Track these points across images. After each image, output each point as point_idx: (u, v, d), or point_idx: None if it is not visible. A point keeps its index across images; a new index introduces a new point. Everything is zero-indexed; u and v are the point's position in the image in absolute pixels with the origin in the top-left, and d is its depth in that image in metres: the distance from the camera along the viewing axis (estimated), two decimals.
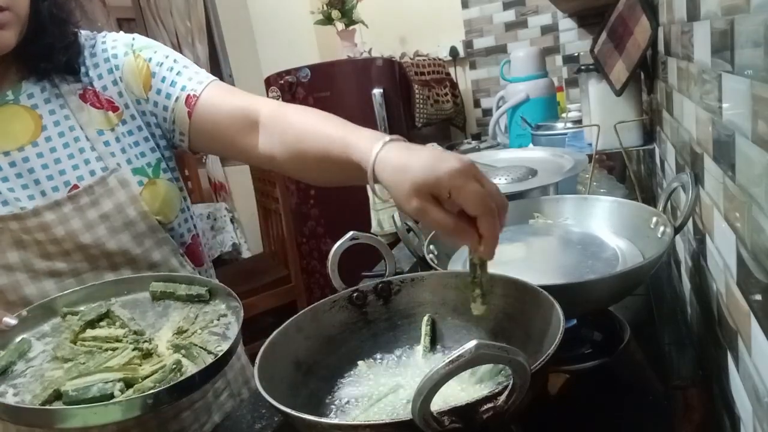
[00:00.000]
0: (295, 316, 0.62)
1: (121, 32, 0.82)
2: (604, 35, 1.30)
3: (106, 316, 0.63)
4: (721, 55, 0.50)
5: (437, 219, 0.51)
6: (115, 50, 0.78)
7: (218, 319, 0.63)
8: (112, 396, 0.51)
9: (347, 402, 0.58)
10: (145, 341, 0.59)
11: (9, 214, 0.68)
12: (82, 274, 0.72)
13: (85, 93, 0.75)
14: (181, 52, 3.06)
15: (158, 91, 0.77)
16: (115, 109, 0.76)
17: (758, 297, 0.43)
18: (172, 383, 0.51)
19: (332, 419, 0.54)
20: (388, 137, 0.59)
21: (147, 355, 0.58)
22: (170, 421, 0.76)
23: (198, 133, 0.78)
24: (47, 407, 0.50)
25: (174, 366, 0.54)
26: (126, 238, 0.73)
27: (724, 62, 0.49)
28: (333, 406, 0.58)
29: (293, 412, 0.44)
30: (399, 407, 0.54)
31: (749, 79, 0.41)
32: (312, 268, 2.64)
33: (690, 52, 0.66)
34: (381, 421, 0.41)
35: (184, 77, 0.78)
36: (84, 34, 0.79)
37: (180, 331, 0.61)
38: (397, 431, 0.40)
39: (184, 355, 0.57)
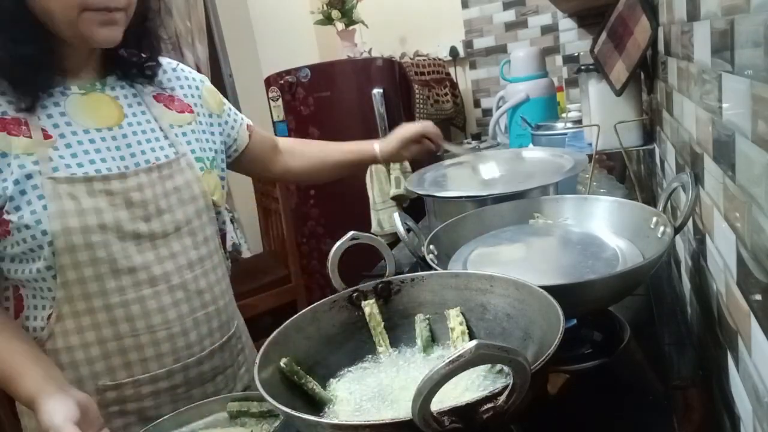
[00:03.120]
0: (295, 316, 0.62)
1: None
2: (604, 35, 1.30)
3: None
4: (721, 55, 0.50)
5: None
6: (192, 74, 0.99)
7: None
8: None
9: (347, 402, 0.58)
10: None
11: (115, 173, 0.78)
12: (156, 239, 0.82)
13: (159, 95, 0.91)
14: (181, 52, 3.07)
15: (228, 114, 1.03)
16: (191, 111, 0.93)
17: (758, 297, 0.43)
18: None
19: (332, 419, 0.54)
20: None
21: None
22: (208, 383, 0.88)
23: (248, 153, 1.06)
24: None
25: None
26: (191, 209, 0.86)
27: (724, 62, 0.49)
28: (333, 406, 0.58)
29: (293, 412, 0.44)
30: (399, 407, 0.54)
31: (749, 79, 0.41)
32: (312, 268, 2.64)
33: (690, 52, 0.66)
34: (381, 421, 0.41)
35: (240, 114, 1.07)
36: (165, 58, 0.96)
37: None
38: (397, 431, 0.40)
39: None
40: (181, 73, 0.97)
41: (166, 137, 0.87)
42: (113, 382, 0.80)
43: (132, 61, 0.87)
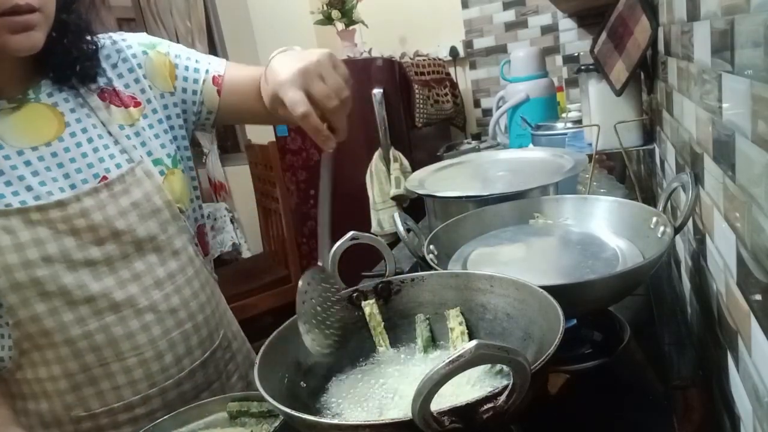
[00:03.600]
0: (295, 316, 0.62)
1: (123, 32, 0.86)
2: (604, 35, 1.30)
3: None
4: (721, 55, 0.50)
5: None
6: (131, 50, 0.83)
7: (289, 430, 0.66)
8: None
9: (347, 402, 0.58)
10: None
11: (52, 202, 0.70)
12: (114, 262, 0.75)
13: (103, 92, 0.80)
14: None
15: (185, 79, 0.86)
16: (137, 104, 0.81)
17: (758, 297, 0.43)
18: None
19: (332, 419, 0.54)
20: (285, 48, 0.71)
21: None
22: (192, 402, 0.79)
23: (226, 107, 0.89)
24: None
25: None
26: (153, 224, 0.78)
27: (724, 62, 0.49)
28: (333, 406, 0.58)
29: (293, 412, 0.44)
30: (399, 407, 0.54)
31: (749, 79, 0.41)
32: None
33: (690, 52, 0.66)
34: (381, 421, 0.41)
35: (203, 63, 0.88)
36: (103, 39, 0.83)
37: None
38: (397, 431, 0.40)
39: None
40: (117, 57, 0.82)
41: (116, 143, 0.77)
42: (87, 412, 0.76)
43: (64, 61, 0.75)
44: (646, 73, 1.23)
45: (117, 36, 0.85)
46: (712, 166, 0.57)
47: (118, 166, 0.76)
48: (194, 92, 0.86)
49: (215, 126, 0.93)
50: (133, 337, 0.76)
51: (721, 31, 0.49)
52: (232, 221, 3.17)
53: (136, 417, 0.78)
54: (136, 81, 0.82)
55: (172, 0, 3.04)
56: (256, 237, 3.08)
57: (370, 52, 2.63)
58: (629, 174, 1.30)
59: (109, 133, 0.78)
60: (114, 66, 0.81)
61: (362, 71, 2.34)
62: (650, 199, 1.28)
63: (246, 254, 3.22)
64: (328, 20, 2.59)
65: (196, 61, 0.88)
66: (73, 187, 0.73)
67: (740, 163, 0.46)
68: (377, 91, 2.27)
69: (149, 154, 0.80)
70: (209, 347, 0.85)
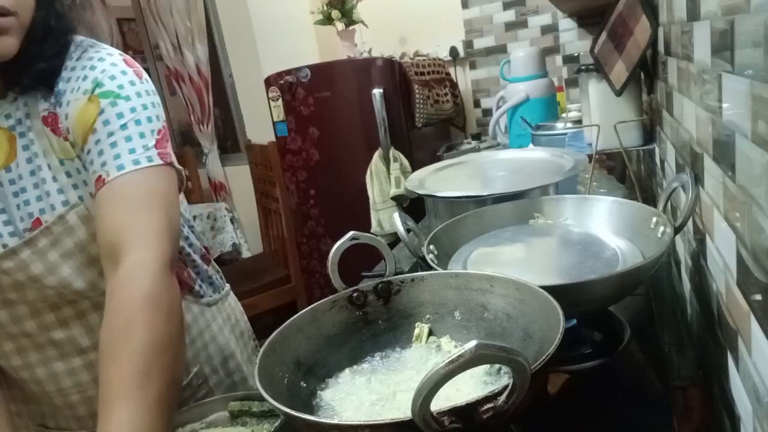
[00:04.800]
0: (295, 316, 0.62)
1: (115, 57, 0.70)
2: (604, 35, 1.30)
3: None
4: (721, 55, 0.50)
5: None
6: (85, 81, 0.66)
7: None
8: None
9: (347, 402, 0.58)
10: None
11: None
12: (61, 308, 0.71)
13: (48, 116, 0.67)
14: (181, 52, 3.07)
15: (89, 151, 0.66)
16: (66, 138, 0.68)
17: (758, 297, 0.43)
18: None
19: (332, 419, 0.54)
20: None
21: None
22: None
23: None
24: None
25: None
26: (93, 274, 0.69)
27: (724, 62, 0.49)
28: (333, 406, 0.58)
29: (293, 412, 0.44)
30: (399, 407, 0.54)
31: (749, 79, 0.41)
32: (312, 268, 2.64)
33: (690, 52, 0.66)
34: (381, 421, 0.41)
35: (114, 151, 0.64)
36: (79, 40, 0.71)
37: None
38: (397, 431, 0.40)
39: None
40: (78, 72, 0.67)
41: (54, 179, 0.66)
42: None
43: (28, 63, 0.64)
44: (646, 73, 1.23)
45: (104, 57, 0.68)
46: (712, 166, 0.57)
47: (52, 207, 0.66)
48: (85, 168, 0.68)
49: None
50: (75, 375, 0.74)
51: (721, 31, 0.49)
52: (232, 221, 3.17)
53: None
54: (67, 115, 0.66)
55: (172, 0, 3.04)
56: (256, 237, 3.08)
57: (370, 52, 2.63)
58: (629, 174, 1.30)
59: (49, 167, 0.66)
60: (68, 79, 0.67)
61: (362, 71, 2.34)
62: (650, 199, 1.28)
63: (246, 254, 3.22)
64: (328, 20, 2.59)
65: (112, 144, 0.65)
66: (12, 234, 0.66)
67: (740, 163, 0.46)
68: (377, 91, 2.27)
69: (92, 195, 0.65)
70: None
